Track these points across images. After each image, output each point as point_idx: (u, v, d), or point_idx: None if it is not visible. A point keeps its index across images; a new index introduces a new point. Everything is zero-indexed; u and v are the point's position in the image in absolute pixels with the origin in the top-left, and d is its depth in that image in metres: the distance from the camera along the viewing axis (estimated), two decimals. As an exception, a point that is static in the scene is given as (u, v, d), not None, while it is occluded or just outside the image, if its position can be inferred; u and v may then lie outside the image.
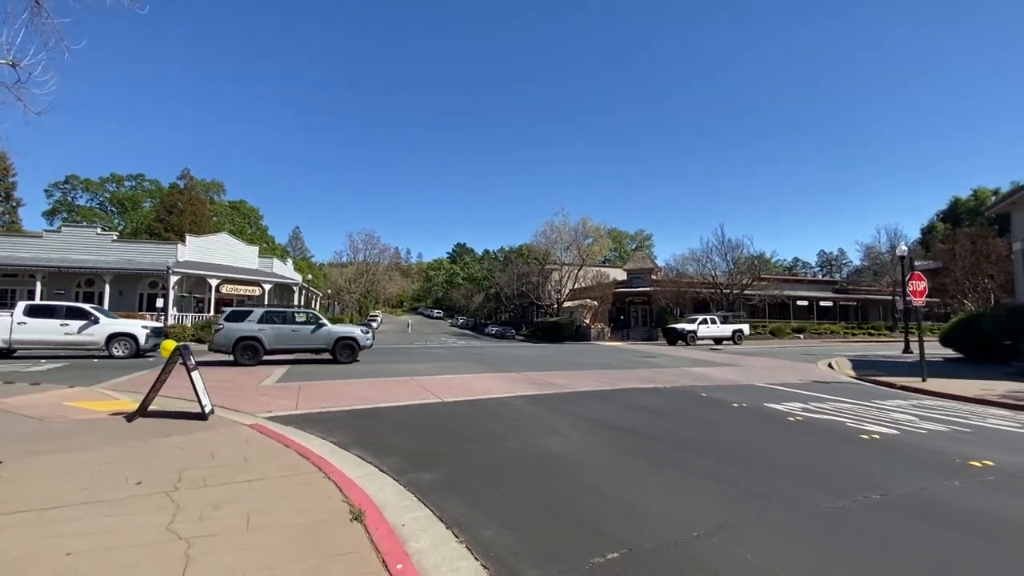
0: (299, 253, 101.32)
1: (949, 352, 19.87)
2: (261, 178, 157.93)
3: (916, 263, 14.11)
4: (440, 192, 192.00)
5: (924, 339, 13.63)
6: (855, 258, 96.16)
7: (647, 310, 46.20)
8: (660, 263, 55.32)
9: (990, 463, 5.47)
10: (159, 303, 26.86)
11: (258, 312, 16.13)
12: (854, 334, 46.60)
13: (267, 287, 35.88)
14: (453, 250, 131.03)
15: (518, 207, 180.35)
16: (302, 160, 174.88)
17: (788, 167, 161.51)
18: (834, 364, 18.37)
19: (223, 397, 9.09)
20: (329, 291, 58.10)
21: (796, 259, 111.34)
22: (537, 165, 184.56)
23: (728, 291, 42.35)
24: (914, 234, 51.16)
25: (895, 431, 7.11)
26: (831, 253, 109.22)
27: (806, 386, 12.48)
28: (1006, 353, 17.05)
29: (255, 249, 41.91)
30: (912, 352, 22.91)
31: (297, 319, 16.77)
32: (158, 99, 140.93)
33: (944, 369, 15.67)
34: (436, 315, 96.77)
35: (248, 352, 15.35)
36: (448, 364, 17.06)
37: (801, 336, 43.51)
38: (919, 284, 13.55)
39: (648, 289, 44.83)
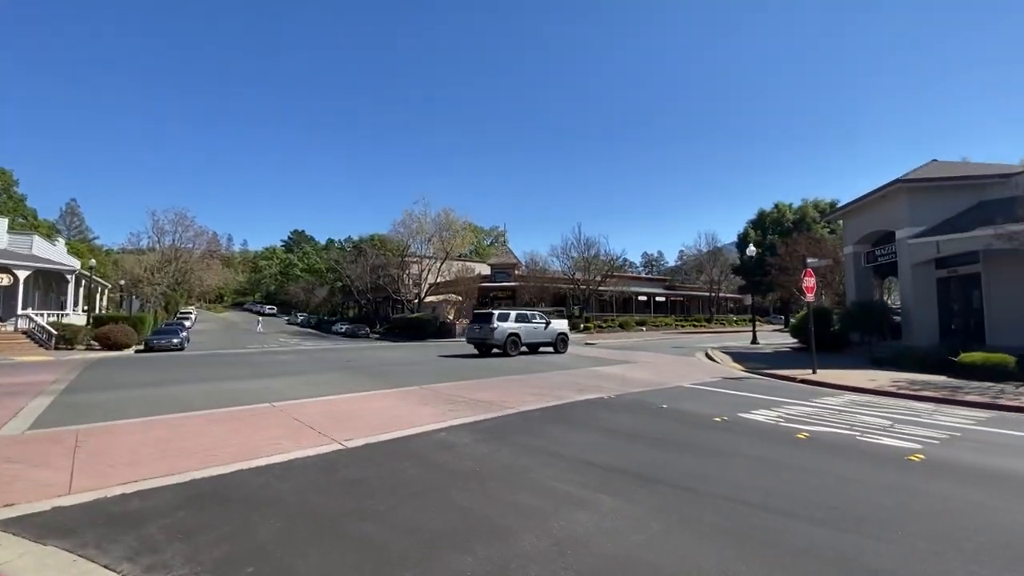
0: (77, 233, 79.93)
1: (794, 343, 22.26)
2: (22, 139, 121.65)
3: (809, 261, 14.85)
4: (272, 174, 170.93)
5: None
6: (671, 259, 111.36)
7: (511, 305, 45.55)
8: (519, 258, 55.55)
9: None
10: None
11: (513, 314, 19.83)
12: (682, 326, 52.16)
13: (23, 274, 26.12)
14: (289, 237, 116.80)
15: (367, 197, 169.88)
16: (89, 124, 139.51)
17: (623, 169, 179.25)
18: (714, 357, 18.98)
19: None
20: (122, 282, 45.69)
21: (625, 259, 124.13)
22: (385, 155, 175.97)
23: (585, 287, 43.88)
24: (730, 238, 59.41)
25: (915, 444, 6.23)
26: (652, 254, 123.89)
27: (729, 384, 11.96)
28: (843, 343, 19.39)
29: (2, 222, 30.47)
30: (759, 343, 25.44)
31: (534, 319, 20.33)
32: None
33: (808, 360, 16.91)
34: (268, 311, 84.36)
35: (513, 346, 19.03)
36: (314, 377, 13.21)
37: (643, 328, 47.07)
38: (810, 280, 14.14)
39: (513, 284, 44.22)
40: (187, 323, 44.02)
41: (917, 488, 4.66)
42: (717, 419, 7.71)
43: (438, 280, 44.92)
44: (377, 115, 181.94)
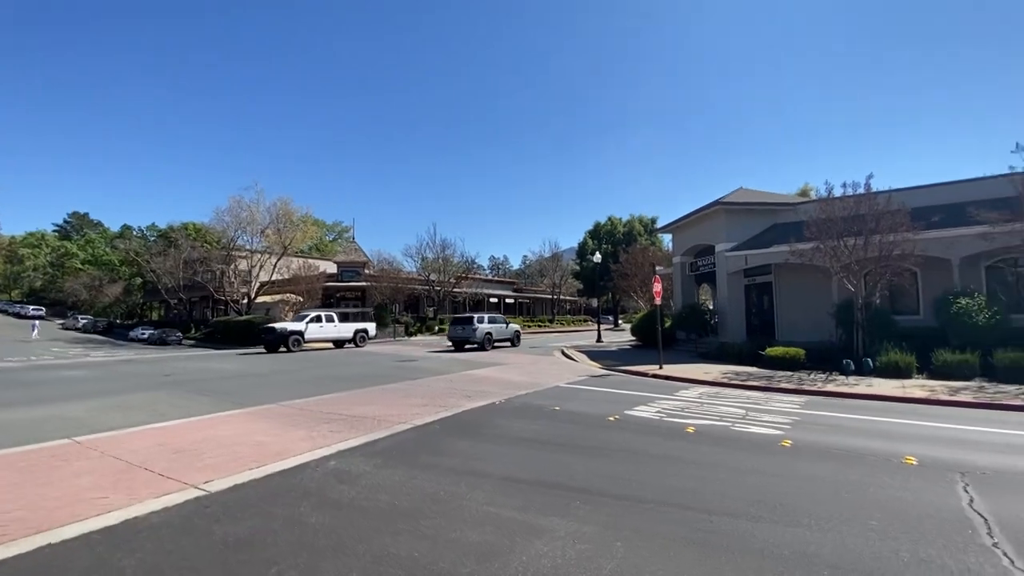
0: None
1: (632, 340, 24.79)
2: None
3: (658, 269, 16.54)
4: (43, 144, 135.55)
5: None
6: (516, 262, 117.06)
7: (359, 306, 42.78)
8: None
9: (912, 460, 5.69)
10: None
11: (487, 317, 25.22)
12: (529, 326, 54.84)
13: None
14: (66, 221, 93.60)
15: (178, 182, 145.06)
16: None
17: (472, 178, 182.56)
18: (571, 355, 20.11)
19: None
20: None
21: (474, 261, 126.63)
22: (203, 142, 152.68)
23: (440, 289, 43.37)
24: (569, 245, 64.70)
25: (776, 431, 7.13)
26: (499, 258, 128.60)
27: (597, 382, 12.66)
28: (673, 341, 22.14)
29: None
30: (603, 341, 27.81)
31: (501, 322, 26.31)
32: None
33: (649, 355, 18.85)
34: (33, 312, 66.11)
35: (488, 342, 23.92)
36: (126, 398, 10.42)
37: (494, 330, 48.41)
38: (657, 286, 15.75)
39: (363, 284, 41.60)
40: None
41: (806, 473, 5.25)
42: (610, 419, 7.94)
43: (273, 278, 39.96)
44: (194, 97, 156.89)
